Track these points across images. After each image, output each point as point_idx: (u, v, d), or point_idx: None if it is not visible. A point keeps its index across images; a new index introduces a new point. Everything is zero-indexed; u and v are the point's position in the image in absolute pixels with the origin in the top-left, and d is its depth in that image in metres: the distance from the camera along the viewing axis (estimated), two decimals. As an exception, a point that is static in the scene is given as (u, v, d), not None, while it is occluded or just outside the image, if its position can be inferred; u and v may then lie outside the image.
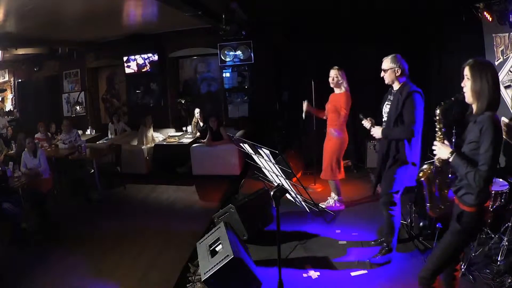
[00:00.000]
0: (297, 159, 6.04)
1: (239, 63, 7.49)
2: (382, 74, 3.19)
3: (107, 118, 9.11)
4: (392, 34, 5.60)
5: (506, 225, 3.21)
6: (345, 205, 4.61)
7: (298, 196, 3.66)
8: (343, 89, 4.28)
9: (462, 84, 2.13)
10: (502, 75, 4.17)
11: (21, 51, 7.25)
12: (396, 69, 3.10)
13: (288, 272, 3.25)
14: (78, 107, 8.94)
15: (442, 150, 2.18)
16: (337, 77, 4.23)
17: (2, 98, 9.80)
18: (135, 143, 7.30)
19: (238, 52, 7.40)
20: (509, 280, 2.82)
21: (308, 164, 5.92)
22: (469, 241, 2.27)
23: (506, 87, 4.11)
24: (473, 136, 2.05)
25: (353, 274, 3.25)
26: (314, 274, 3.32)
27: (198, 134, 7.30)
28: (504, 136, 4.17)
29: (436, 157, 2.24)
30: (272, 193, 2.49)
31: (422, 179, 2.29)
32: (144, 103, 8.65)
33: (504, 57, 4.11)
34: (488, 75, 2.03)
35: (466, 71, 2.09)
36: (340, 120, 4.29)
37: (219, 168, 6.41)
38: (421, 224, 3.64)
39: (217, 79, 8.19)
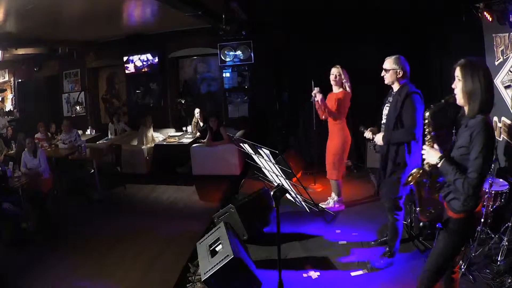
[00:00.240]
0: (297, 159, 6.04)
1: (239, 63, 7.49)
2: (383, 73, 3.16)
3: (107, 118, 9.11)
4: (392, 34, 5.60)
5: (506, 225, 3.21)
6: (345, 206, 4.61)
7: (298, 196, 3.66)
8: (341, 88, 4.27)
9: (453, 86, 2.06)
10: (502, 75, 4.16)
11: (21, 51, 7.24)
12: (398, 70, 3.07)
13: (288, 272, 3.24)
14: (78, 107, 8.95)
15: (431, 155, 2.11)
16: (339, 75, 4.22)
17: (2, 98, 9.79)
18: (135, 143, 7.30)
19: (238, 52, 7.40)
20: (509, 280, 2.82)
21: (308, 164, 5.93)
22: (459, 247, 2.17)
23: (506, 87, 4.11)
24: (463, 141, 1.98)
25: (353, 274, 3.25)
26: (314, 274, 3.32)
27: (198, 134, 7.30)
28: (505, 137, 4.17)
29: (425, 162, 2.18)
30: (272, 193, 2.49)
31: (411, 183, 2.23)
32: (144, 103, 8.65)
33: (504, 57, 4.11)
34: (480, 75, 1.94)
35: (457, 72, 2.02)
36: (333, 112, 4.25)
37: (219, 168, 6.41)
38: (421, 224, 3.64)
39: (217, 79, 8.19)
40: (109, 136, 8.01)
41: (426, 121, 2.17)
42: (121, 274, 3.63)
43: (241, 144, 3.80)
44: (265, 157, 3.37)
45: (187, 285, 3.40)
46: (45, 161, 5.30)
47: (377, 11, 5.42)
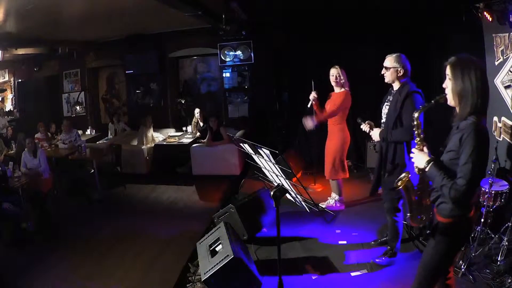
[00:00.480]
0: (297, 159, 6.04)
1: (239, 63, 7.49)
2: (383, 71, 3.11)
3: (107, 118, 9.11)
4: (392, 34, 5.60)
5: (506, 225, 3.21)
6: (345, 206, 4.61)
7: (298, 196, 3.66)
8: (343, 88, 4.27)
9: (444, 85, 1.94)
10: (502, 75, 4.16)
11: (21, 51, 7.24)
12: (399, 69, 3.02)
13: (288, 272, 3.24)
14: (78, 107, 8.95)
15: (419, 158, 2.01)
16: (339, 75, 4.22)
17: (2, 98, 9.79)
18: (135, 143, 7.30)
19: (238, 52, 7.40)
20: (509, 280, 2.82)
21: (308, 164, 5.93)
22: (449, 256, 2.03)
23: (506, 87, 4.10)
24: (452, 144, 1.87)
25: (353, 274, 3.25)
26: (314, 274, 3.32)
27: (198, 134, 7.30)
28: (505, 137, 4.17)
29: (414, 165, 2.08)
30: (272, 193, 2.49)
31: (400, 187, 2.11)
32: (144, 103, 8.65)
33: (504, 57, 4.11)
34: (471, 74, 1.81)
35: (448, 70, 1.90)
36: (330, 114, 4.26)
37: (219, 168, 6.41)
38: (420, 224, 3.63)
39: (217, 79, 8.19)
40: (109, 136, 8.01)
41: (415, 123, 2.06)
42: (121, 274, 3.63)
43: (241, 144, 3.80)
44: (265, 157, 3.37)
45: (187, 285, 3.40)
46: (45, 161, 5.30)
47: (377, 11, 5.42)
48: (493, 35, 4.27)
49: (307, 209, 3.69)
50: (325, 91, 4.49)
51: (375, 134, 3.18)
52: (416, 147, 2.05)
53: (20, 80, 9.72)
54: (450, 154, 1.89)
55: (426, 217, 2.12)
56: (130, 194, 6.06)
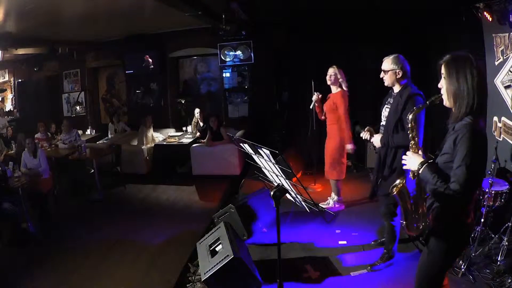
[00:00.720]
0: (297, 159, 6.04)
1: (239, 63, 7.49)
2: (382, 75, 3.04)
3: (107, 118, 9.11)
4: (392, 34, 5.60)
5: (506, 225, 3.21)
6: (345, 206, 4.61)
7: (298, 196, 3.65)
8: (339, 88, 4.27)
9: (439, 85, 1.84)
10: (502, 75, 4.16)
11: (21, 51, 7.24)
12: (397, 71, 2.92)
13: (288, 272, 3.25)
14: (78, 107, 8.95)
15: (412, 160, 1.90)
16: (335, 74, 4.22)
17: (2, 98, 9.80)
18: (135, 143, 7.30)
19: (238, 52, 7.40)
20: (509, 280, 2.82)
21: (308, 164, 5.92)
22: (444, 267, 1.92)
23: (506, 87, 4.10)
24: (447, 147, 1.78)
25: (353, 274, 3.26)
26: (314, 274, 3.32)
27: (198, 134, 7.30)
28: (505, 137, 4.17)
29: (410, 170, 1.97)
30: (272, 193, 2.49)
31: (395, 193, 2.01)
32: (144, 103, 8.65)
33: (504, 57, 4.10)
34: (467, 73, 1.71)
35: (442, 69, 1.80)
36: (342, 120, 4.25)
37: (219, 168, 6.41)
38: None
39: (217, 79, 8.19)
40: (109, 136, 8.01)
41: (409, 125, 1.96)
42: (121, 274, 3.63)
43: (241, 144, 3.80)
44: (265, 157, 3.36)
45: (187, 285, 3.40)
46: (45, 161, 5.29)
47: (377, 11, 5.42)
48: (493, 35, 4.27)
49: (307, 209, 3.68)
50: (325, 91, 4.49)
51: (377, 140, 3.09)
52: (411, 149, 1.97)
53: (20, 80, 9.72)
54: (444, 156, 1.81)
55: (423, 225, 2.00)
56: (130, 194, 6.06)
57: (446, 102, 1.83)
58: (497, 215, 3.38)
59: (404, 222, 2.06)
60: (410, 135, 1.98)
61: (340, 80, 4.24)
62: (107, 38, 7.92)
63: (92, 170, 6.00)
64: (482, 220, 3.27)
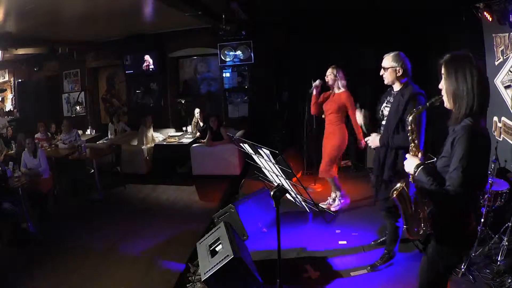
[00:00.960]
0: (297, 159, 6.04)
1: (239, 63, 7.50)
2: (382, 72, 2.96)
3: (107, 118, 9.11)
4: (392, 34, 5.60)
5: (506, 225, 3.21)
6: (349, 200, 4.56)
7: (298, 196, 3.66)
8: (342, 88, 4.26)
9: (440, 86, 1.78)
10: (502, 75, 4.16)
11: (21, 51, 7.24)
12: (398, 68, 2.85)
13: (288, 272, 3.24)
14: (78, 107, 8.95)
15: (409, 163, 1.86)
16: (332, 74, 4.20)
17: (2, 98, 9.80)
18: (135, 143, 7.30)
19: (238, 52, 7.41)
20: (509, 280, 2.82)
21: (308, 164, 5.92)
22: (448, 271, 1.88)
23: (506, 87, 4.11)
24: (445, 150, 1.73)
25: (353, 274, 3.25)
26: (314, 274, 3.32)
27: (198, 134, 7.30)
28: (505, 137, 4.17)
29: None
30: (272, 193, 2.49)
31: (394, 196, 1.96)
32: (144, 103, 8.66)
33: (504, 57, 4.11)
34: (466, 73, 1.66)
35: (442, 70, 1.75)
36: (353, 121, 4.22)
37: (219, 168, 6.41)
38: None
39: (217, 79, 8.19)
40: (109, 136, 8.01)
41: (410, 127, 1.90)
42: (121, 274, 3.63)
43: (241, 144, 3.80)
44: (265, 157, 3.37)
45: (187, 285, 3.40)
46: (45, 161, 5.29)
47: (377, 11, 5.42)
48: (493, 35, 4.27)
49: (307, 209, 3.69)
50: (325, 91, 4.49)
51: (373, 140, 3.02)
52: (411, 153, 1.92)
53: (20, 80, 9.72)
54: (442, 160, 1.75)
55: (423, 230, 1.95)
56: (130, 194, 6.06)
57: (447, 103, 1.78)
58: (497, 215, 3.38)
59: (405, 227, 2.01)
60: (410, 137, 1.93)
61: (342, 81, 4.21)
62: (107, 38, 7.93)
63: (92, 170, 6.00)
64: (482, 220, 3.27)
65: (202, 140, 6.76)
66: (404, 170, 2.38)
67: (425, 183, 1.72)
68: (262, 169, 3.76)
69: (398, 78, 2.91)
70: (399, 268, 3.26)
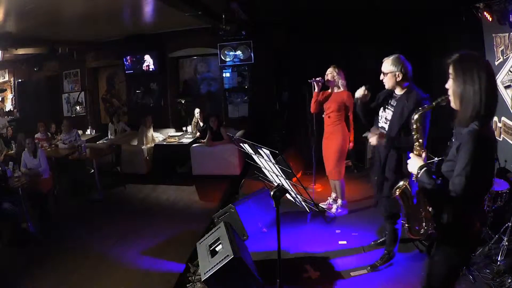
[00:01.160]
0: (297, 159, 6.04)
1: (239, 63, 7.50)
2: (382, 77, 2.90)
3: (107, 118, 9.11)
4: (392, 34, 5.60)
5: (506, 225, 3.21)
6: (348, 210, 4.53)
7: (298, 196, 3.65)
8: (341, 88, 4.25)
9: (446, 85, 1.73)
10: (502, 75, 4.17)
11: (21, 51, 7.24)
12: (397, 73, 2.77)
13: (288, 272, 3.25)
14: (78, 107, 8.95)
15: (412, 163, 1.82)
16: (332, 73, 4.20)
17: (2, 98, 9.80)
18: (135, 143, 7.30)
19: (238, 52, 7.41)
20: (509, 280, 2.82)
21: (308, 164, 5.92)
22: (453, 275, 1.84)
23: (506, 87, 4.11)
24: (450, 154, 1.70)
25: (353, 274, 3.25)
26: (314, 274, 3.32)
27: (198, 134, 7.30)
28: (505, 137, 4.17)
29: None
30: (272, 193, 2.49)
31: (397, 195, 1.94)
32: (144, 103, 8.66)
33: (504, 57, 4.11)
34: (474, 75, 1.61)
35: (450, 69, 1.69)
36: (351, 121, 4.23)
37: (219, 168, 6.41)
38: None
39: (217, 79, 8.19)
40: (109, 136, 8.01)
41: (414, 126, 1.87)
42: (121, 274, 3.63)
43: (241, 144, 3.80)
44: (265, 157, 3.36)
45: (187, 285, 3.40)
46: (45, 161, 5.29)
47: (377, 11, 5.42)
48: (493, 35, 4.27)
49: (307, 209, 3.69)
50: (325, 91, 4.49)
51: (374, 137, 2.94)
52: (414, 152, 1.89)
53: (20, 80, 9.72)
54: (448, 164, 1.72)
55: (424, 229, 1.92)
56: (130, 194, 6.06)
57: (453, 103, 1.73)
58: (497, 215, 3.38)
59: (406, 226, 1.99)
60: (415, 136, 1.90)
61: (341, 81, 4.21)
62: (107, 38, 7.93)
63: (92, 170, 6.00)
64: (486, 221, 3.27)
65: (202, 140, 6.76)
66: (405, 171, 2.34)
67: (427, 185, 1.70)
68: (262, 169, 3.76)
69: (399, 83, 2.83)
70: (399, 268, 3.26)
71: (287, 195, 3.28)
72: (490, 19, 4.06)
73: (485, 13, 4.06)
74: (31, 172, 5.16)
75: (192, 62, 8.49)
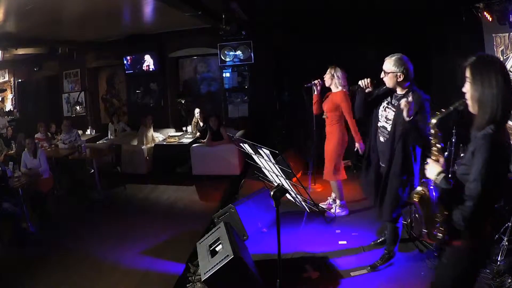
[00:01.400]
0: (297, 159, 6.03)
1: (239, 63, 7.50)
2: (382, 75, 2.87)
3: (107, 118, 9.11)
4: (392, 34, 5.60)
5: (506, 225, 3.21)
6: (348, 210, 4.52)
7: (298, 196, 3.65)
8: (339, 87, 4.25)
9: (464, 89, 1.70)
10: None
11: (21, 51, 7.25)
12: (399, 74, 2.74)
13: (288, 272, 3.24)
14: (78, 107, 8.94)
15: (431, 169, 1.81)
16: (329, 74, 4.20)
17: (2, 98, 9.80)
18: (135, 143, 7.31)
19: (238, 52, 7.41)
20: (509, 280, 2.82)
21: (308, 164, 5.92)
22: (466, 282, 1.81)
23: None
24: (466, 157, 1.68)
25: (353, 274, 3.25)
26: (314, 274, 3.31)
27: (198, 134, 7.30)
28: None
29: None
30: (272, 193, 2.49)
31: (415, 200, 1.92)
32: (144, 103, 8.66)
33: (504, 57, 4.11)
34: (492, 78, 1.57)
35: (467, 72, 1.66)
36: (348, 120, 4.20)
37: (219, 168, 6.41)
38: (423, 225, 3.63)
39: (217, 79, 8.19)
40: (109, 136, 8.01)
41: (433, 131, 1.85)
42: (121, 274, 3.63)
43: (241, 144, 3.80)
44: (265, 157, 3.37)
45: (187, 285, 3.40)
46: (45, 161, 5.29)
47: (377, 11, 5.42)
48: (493, 35, 4.28)
49: (307, 209, 3.69)
50: (325, 91, 4.49)
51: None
52: (432, 157, 1.86)
53: (20, 80, 9.72)
54: (463, 167, 1.70)
55: (444, 234, 1.88)
56: (130, 194, 6.06)
57: (471, 108, 1.70)
58: (497, 215, 3.38)
59: (424, 231, 1.97)
60: (432, 141, 1.87)
61: (340, 81, 4.20)
62: (107, 38, 7.92)
63: (92, 170, 6.01)
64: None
65: (202, 140, 6.76)
66: (410, 169, 2.28)
67: (445, 189, 1.71)
68: (262, 169, 3.76)
69: (399, 83, 2.81)
70: (399, 268, 3.26)
71: (287, 195, 3.29)
72: (490, 19, 4.07)
73: (485, 13, 4.07)
74: (31, 172, 5.16)
75: (192, 62, 8.49)
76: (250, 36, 7.13)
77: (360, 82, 3.02)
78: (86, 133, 8.55)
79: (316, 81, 4.33)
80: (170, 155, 6.93)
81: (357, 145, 4.27)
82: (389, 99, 2.96)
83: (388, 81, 2.84)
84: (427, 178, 1.89)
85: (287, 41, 6.86)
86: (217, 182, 6.10)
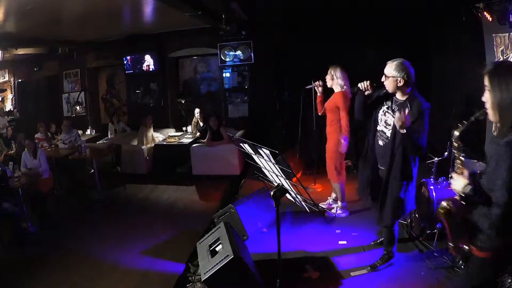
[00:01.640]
0: (297, 159, 6.04)
1: (239, 63, 7.50)
2: (383, 79, 2.83)
3: (107, 118, 9.11)
4: (392, 34, 5.60)
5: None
6: (348, 212, 4.51)
7: (298, 196, 3.65)
8: (339, 88, 4.25)
9: (483, 98, 1.70)
10: (502, 75, 4.17)
11: (21, 51, 7.25)
12: (399, 79, 2.70)
13: (288, 272, 3.24)
14: (78, 107, 8.95)
15: (457, 182, 1.76)
16: (330, 74, 4.20)
17: (2, 98, 9.80)
18: (135, 143, 7.31)
19: (238, 52, 7.41)
20: (509, 280, 2.82)
21: (308, 164, 5.92)
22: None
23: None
24: (491, 165, 1.68)
25: (353, 274, 3.25)
26: (314, 274, 3.32)
27: (198, 134, 7.30)
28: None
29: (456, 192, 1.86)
30: (272, 193, 2.49)
31: (441, 217, 1.92)
32: (144, 103, 8.66)
33: (504, 57, 4.11)
34: (510, 83, 1.57)
35: (485, 81, 1.66)
36: (344, 121, 4.20)
37: (219, 168, 6.41)
38: (421, 224, 3.64)
39: (217, 79, 8.19)
40: (109, 136, 8.01)
41: (455, 144, 1.80)
42: (121, 274, 3.63)
43: (241, 144, 3.80)
44: (265, 157, 3.36)
45: (187, 285, 3.40)
46: (45, 161, 5.29)
47: (377, 11, 5.42)
48: (493, 35, 4.27)
49: (307, 209, 3.69)
50: (325, 91, 4.49)
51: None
52: (457, 170, 1.83)
53: (20, 80, 9.72)
54: (488, 176, 1.72)
55: (470, 246, 1.85)
56: (130, 194, 6.06)
57: (492, 116, 1.69)
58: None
59: (450, 244, 1.98)
60: (456, 154, 1.84)
61: (340, 80, 4.20)
62: (107, 38, 7.92)
63: (92, 170, 6.01)
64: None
65: (202, 140, 6.76)
66: (409, 174, 2.33)
67: (472, 201, 1.70)
68: (262, 169, 3.76)
69: (400, 88, 2.77)
70: (399, 268, 3.26)
71: (287, 195, 3.29)
72: (490, 19, 4.07)
73: (485, 13, 4.07)
74: (31, 172, 5.16)
75: (192, 62, 8.49)
76: (250, 36, 7.14)
77: (359, 85, 3.01)
78: (86, 133, 8.55)
79: (316, 83, 4.33)
80: (170, 155, 6.93)
81: (342, 140, 4.19)
82: (389, 103, 2.93)
83: (388, 85, 2.81)
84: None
85: (287, 41, 6.86)
86: (217, 182, 6.10)
